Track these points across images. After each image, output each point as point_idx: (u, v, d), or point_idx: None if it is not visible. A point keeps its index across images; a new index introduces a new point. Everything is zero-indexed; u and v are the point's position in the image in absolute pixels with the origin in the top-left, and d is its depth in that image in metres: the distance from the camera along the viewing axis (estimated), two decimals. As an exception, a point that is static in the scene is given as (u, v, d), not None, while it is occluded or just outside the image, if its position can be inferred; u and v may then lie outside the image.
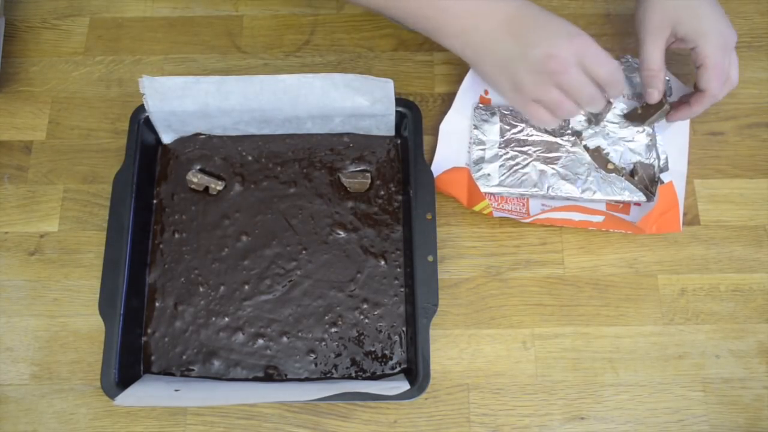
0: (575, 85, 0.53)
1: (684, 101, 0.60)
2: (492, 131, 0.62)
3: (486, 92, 0.64)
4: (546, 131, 0.62)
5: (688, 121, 0.62)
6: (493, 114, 0.62)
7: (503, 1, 0.54)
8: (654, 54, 0.58)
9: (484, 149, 0.61)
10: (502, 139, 0.61)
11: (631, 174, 0.60)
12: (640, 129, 0.62)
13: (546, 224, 0.59)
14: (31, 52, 0.66)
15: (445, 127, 0.62)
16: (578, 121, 0.62)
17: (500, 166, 0.60)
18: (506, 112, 0.62)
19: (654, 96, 0.59)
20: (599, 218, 0.58)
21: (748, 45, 0.67)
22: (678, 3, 0.56)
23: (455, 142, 0.62)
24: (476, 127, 0.62)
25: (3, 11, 0.66)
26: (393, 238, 0.58)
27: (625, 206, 0.61)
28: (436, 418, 0.55)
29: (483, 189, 0.59)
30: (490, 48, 0.54)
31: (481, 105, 0.63)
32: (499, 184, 0.60)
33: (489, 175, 0.60)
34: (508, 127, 0.62)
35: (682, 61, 0.66)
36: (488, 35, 0.54)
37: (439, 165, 0.60)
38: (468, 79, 0.62)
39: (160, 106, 0.56)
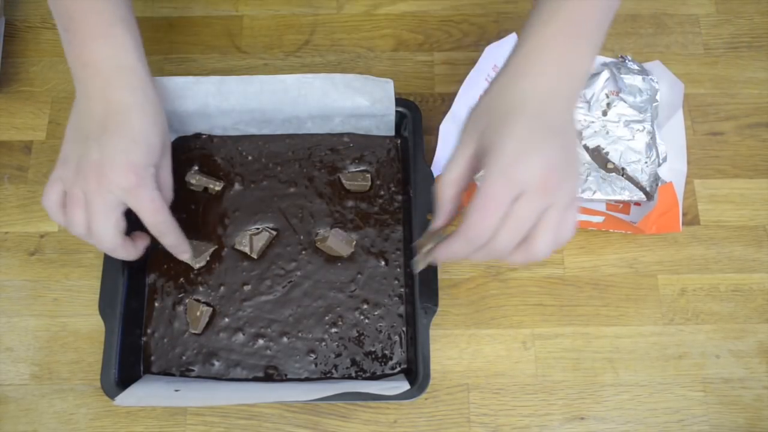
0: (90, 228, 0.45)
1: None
2: (492, 131, 0.61)
3: (486, 92, 0.64)
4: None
5: (682, 121, 0.62)
6: (493, 114, 0.62)
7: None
8: (450, 168, 0.44)
9: (484, 149, 0.61)
10: (502, 139, 0.61)
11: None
12: (630, 137, 0.61)
13: (546, 224, 0.59)
14: (31, 52, 0.66)
15: (445, 127, 0.61)
16: (578, 120, 0.62)
17: (500, 166, 0.60)
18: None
19: (436, 221, 0.45)
20: (599, 218, 0.58)
21: (748, 45, 0.67)
22: (496, 104, 0.43)
23: (455, 142, 0.62)
24: (476, 127, 0.62)
25: (3, 11, 0.66)
26: (393, 238, 0.58)
27: (625, 206, 0.61)
28: (436, 418, 0.55)
29: (483, 189, 0.59)
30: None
31: (481, 105, 0.63)
32: (499, 184, 0.60)
33: (489, 175, 0.60)
34: (508, 127, 0.62)
35: (683, 61, 0.66)
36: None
37: (439, 165, 0.60)
38: (468, 79, 0.62)
39: (160, 106, 0.56)
